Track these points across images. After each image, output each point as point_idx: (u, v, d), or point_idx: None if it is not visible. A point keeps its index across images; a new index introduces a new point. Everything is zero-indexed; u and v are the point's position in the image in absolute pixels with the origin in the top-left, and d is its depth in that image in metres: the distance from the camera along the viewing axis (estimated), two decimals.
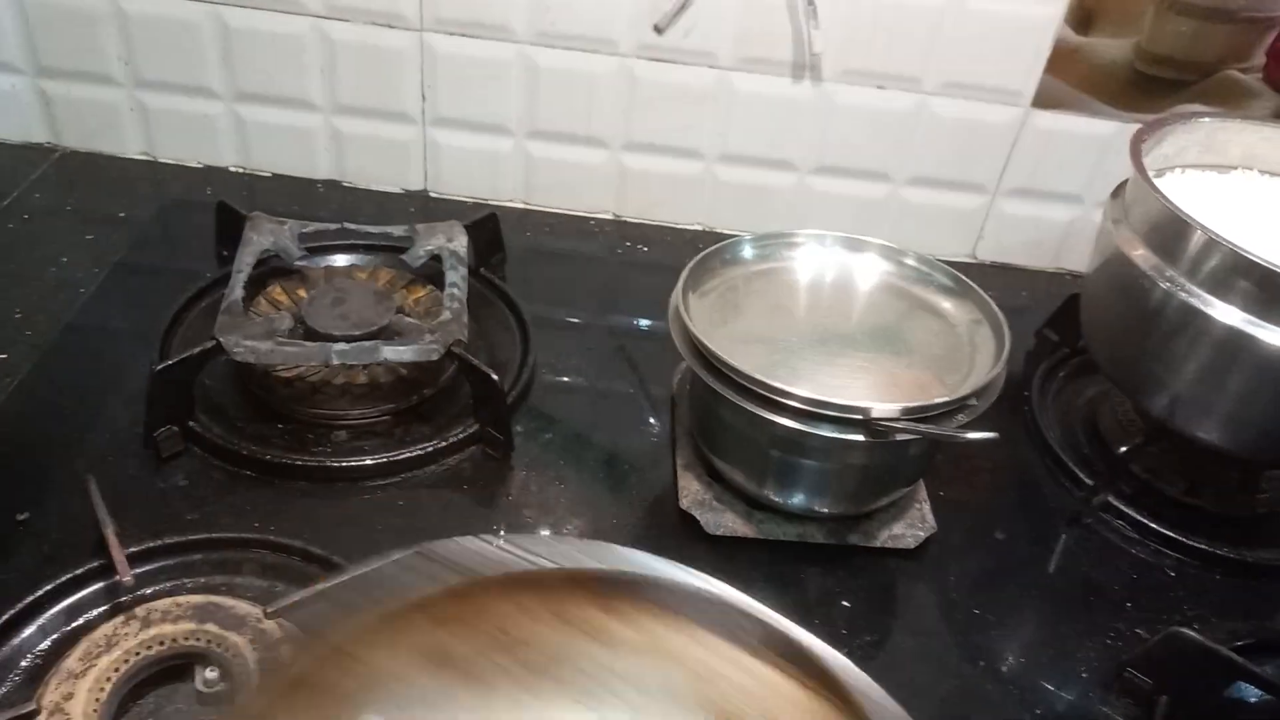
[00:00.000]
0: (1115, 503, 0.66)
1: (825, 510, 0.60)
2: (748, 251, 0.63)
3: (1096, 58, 0.82)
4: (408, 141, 0.90)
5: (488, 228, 0.79)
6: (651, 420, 0.70)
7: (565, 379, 0.74)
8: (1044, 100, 0.84)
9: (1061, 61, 0.82)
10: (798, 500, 0.60)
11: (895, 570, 0.61)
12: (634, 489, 0.65)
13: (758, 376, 0.54)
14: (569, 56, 0.84)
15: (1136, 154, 0.63)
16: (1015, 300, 0.90)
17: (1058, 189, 0.89)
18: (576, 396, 0.72)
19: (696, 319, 0.58)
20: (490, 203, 0.93)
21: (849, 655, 0.55)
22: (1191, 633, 0.52)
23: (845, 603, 0.59)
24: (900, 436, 0.53)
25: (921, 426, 0.52)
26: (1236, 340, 0.58)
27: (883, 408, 0.52)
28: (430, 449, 0.63)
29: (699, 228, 0.94)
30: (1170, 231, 0.60)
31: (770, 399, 0.54)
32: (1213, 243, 0.58)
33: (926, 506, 0.64)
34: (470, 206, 0.93)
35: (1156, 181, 0.69)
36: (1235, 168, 0.72)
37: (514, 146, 0.90)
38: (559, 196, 0.93)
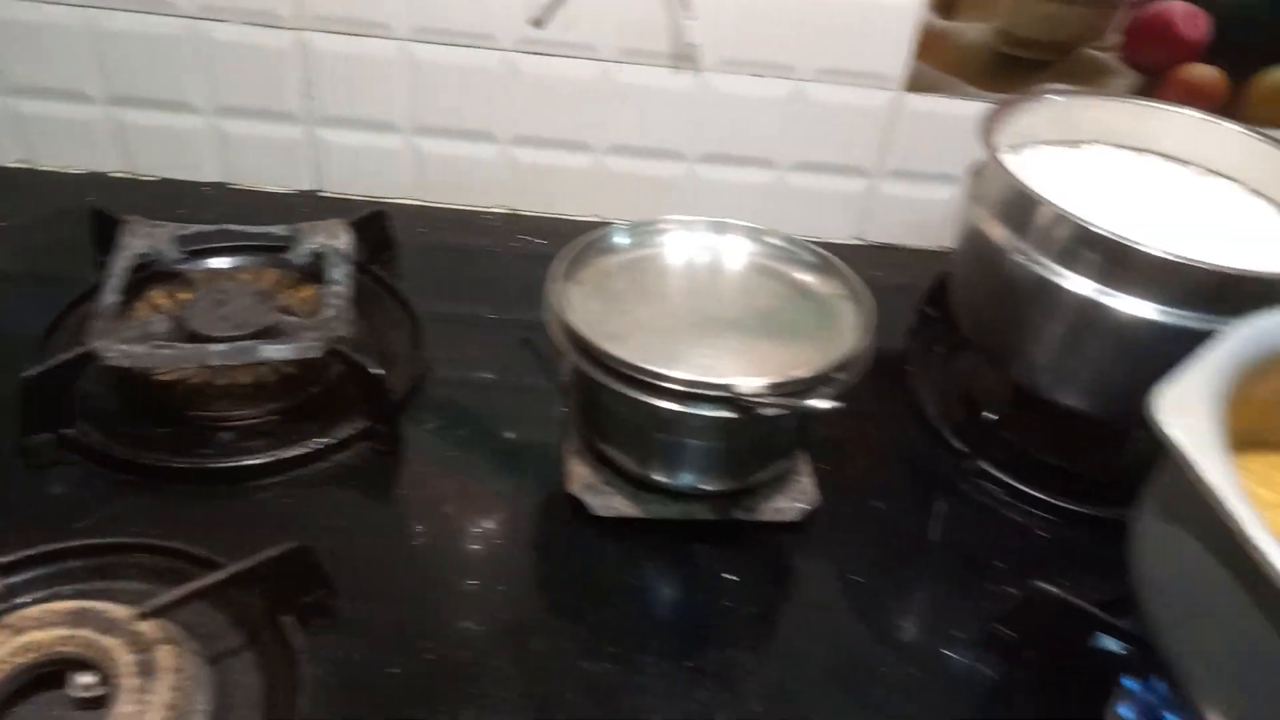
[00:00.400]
0: (988, 468, 0.69)
1: (708, 487, 0.62)
2: (621, 240, 0.64)
3: (962, 41, 0.85)
4: (295, 141, 0.89)
5: (375, 225, 0.79)
6: (545, 410, 0.71)
7: (460, 373, 0.74)
8: (915, 84, 0.87)
9: (930, 46, 0.85)
10: (681, 479, 0.62)
11: (779, 543, 0.63)
12: (526, 477, 0.66)
13: (630, 360, 0.55)
14: (450, 52, 0.85)
15: (987, 133, 0.66)
16: (901, 279, 0.92)
17: (935, 170, 0.92)
18: (471, 389, 0.73)
19: (573, 307, 0.59)
20: (384, 200, 0.93)
21: (734, 629, 0.57)
22: (1050, 587, 0.55)
23: (731, 576, 0.60)
24: (766, 411, 0.55)
25: (783, 400, 0.54)
26: (1089, 309, 0.61)
27: (748, 384, 0.54)
28: (316, 447, 0.63)
29: (594, 219, 0.95)
30: (1021, 207, 0.63)
31: (644, 382, 0.55)
32: (1059, 216, 0.61)
33: (809, 480, 0.66)
34: (363, 205, 0.91)
35: (1014, 158, 0.72)
36: (1088, 142, 0.75)
37: (403, 143, 0.90)
38: (453, 192, 0.94)
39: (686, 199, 0.93)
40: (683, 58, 0.86)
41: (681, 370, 0.55)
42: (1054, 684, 0.55)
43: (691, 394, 0.55)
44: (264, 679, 0.50)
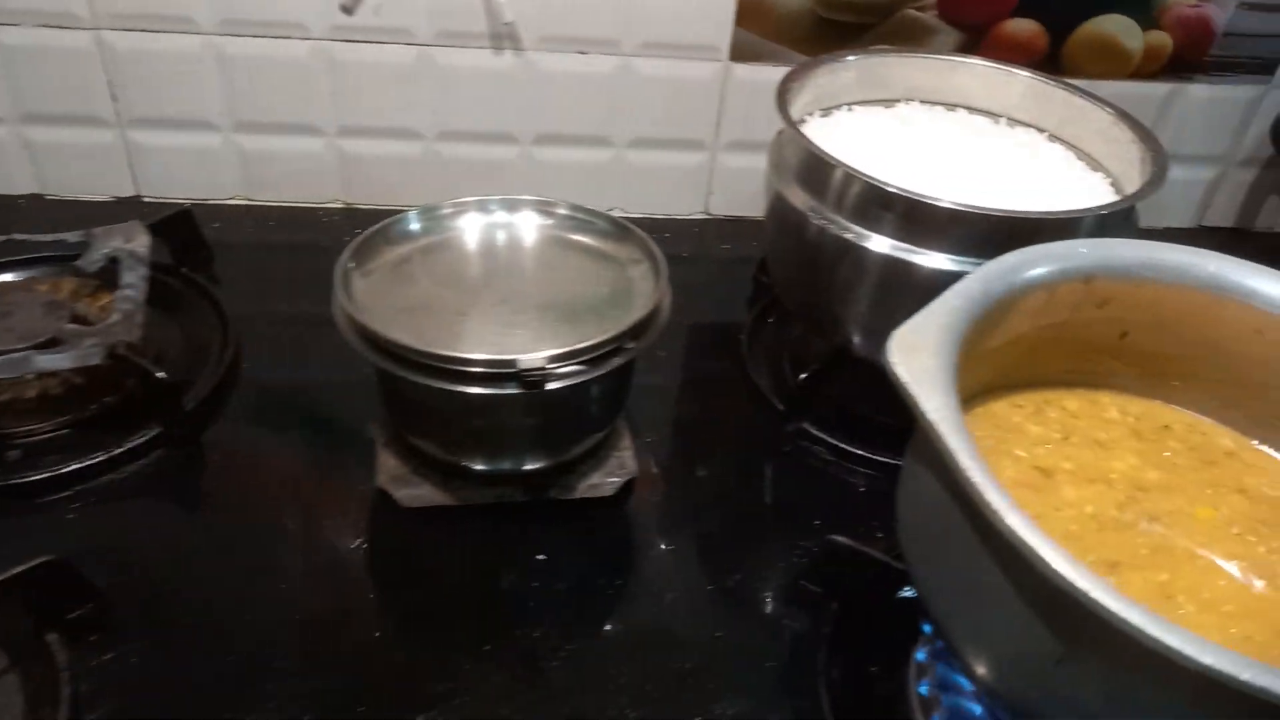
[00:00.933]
0: (810, 429, 0.69)
1: (520, 468, 0.61)
2: (414, 225, 0.63)
3: (783, 8, 0.84)
4: (108, 146, 0.86)
5: (182, 225, 0.76)
6: (362, 404, 0.69)
7: (276, 373, 0.72)
8: (741, 53, 0.87)
9: (752, 13, 0.84)
10: (488, 463, 0.61)
11: (594, 519, 0.62)
12: (338, 473, 0.64)
13: (409, 344, 0.53)
14: (260, 44, 0.82)
15: (781, 97, 0.65)
16: (748, 250, 0.92)
17: (769, 139, 0.92)
18: (286, 389, 0.71)
19: (362, 297, 0.58)
20: (209, 202, 0.90)
21: (541, 609, 0.56)
22: (843, 539, 0.55)
23: (540, 556, 0.59)
24: (553, 385, 0.54)
25: (565, 368, 0.53)
26: (891, 267, 0.61)
27: (531, 359, 0.53)
28: (106, 457, 0.60)
29: None
30: (816, 170, 0.63)
31: (427, 365, 0.54)
32: (852, 177, 0.61)
33: (628, 453, 0.65)
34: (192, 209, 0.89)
35: (825, 120, 0.73)
36: (901, 100, 0.75)
37: (223, 142, 0.88)
38: (284, 190, 0.91)
39: (523, 182, 0.92)
40: (501, 37, 0.84)
41: (467, 350, 0.54)
42: (860, 635, 0.54)
43: (476, 374, 0.54)
44: (26, 700, 0.47)
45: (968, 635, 0.40)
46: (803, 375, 0.66)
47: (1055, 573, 0.32)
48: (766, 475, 0.67)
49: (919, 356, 0.40)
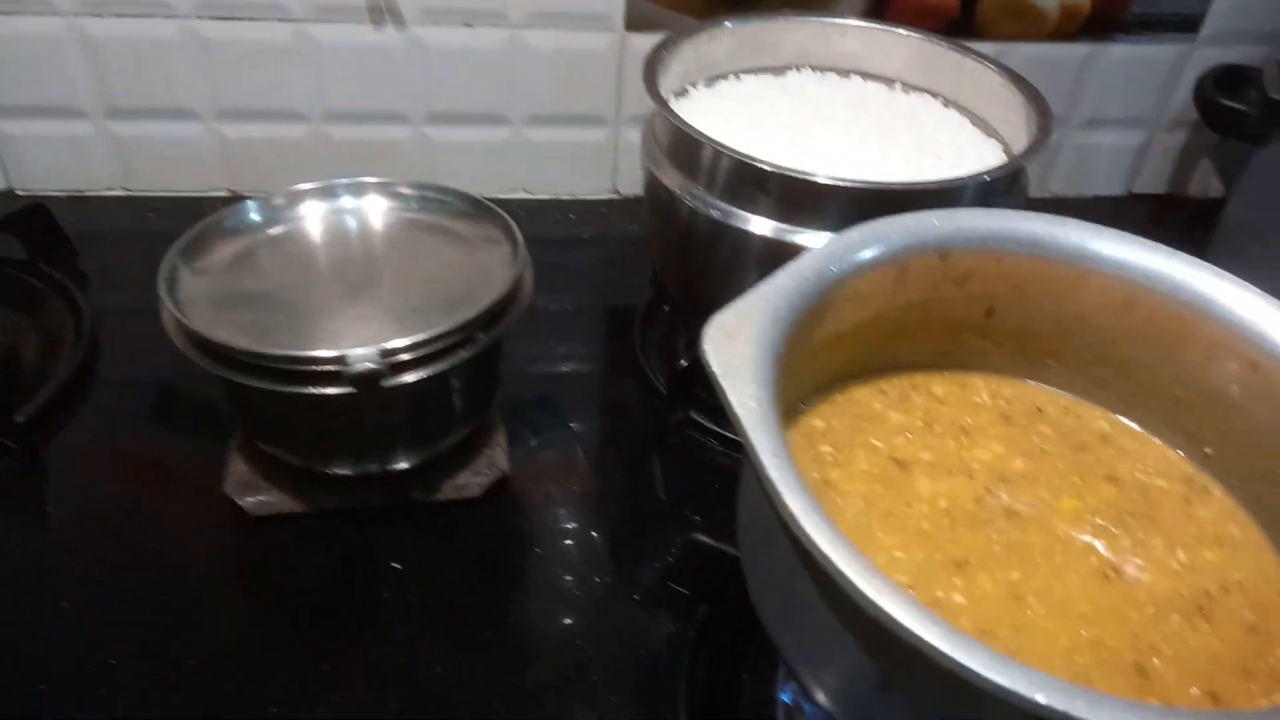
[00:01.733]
0: (700, 419, 0.65)
1: (377, 470, 0.57)
2: (253, 216, 0.59)
3: None
4: None
5: (36, 220, 0.72)
6: (223, 408, 0.65)
7: (136, 373, 0.68)
8: (637, 22, 0.83)
9: None
10: (342, 465, 0.57)
11: (458, 521, 0.58)
12: (187, 480, 0.60)
13: (232, 344, 0.49)
14: (125, 24, 0.78)
15: (650, 68, 0.61)
16: None
17: None
18: (145, 391, 0.67)
19: (192, 296, 0.54)
20: (86, 194, 0.86)
21: (390, 622, 0.52)
22: (705, 538, 0.51)
23: (396, 565, 0.55)
24: (390, 381, 0.50)
25: (404, 363, 0.49)
26: (772, 250, 0.57)
27: (359, 354, 0.49)
28: None
29: None
30: (687, 147, 0.59)
31: (253, 366, 0.50)
32: (720, 154, 0.57)
33: (500, 450, 0.61)
34: (65, 201, 0.85)
35: (709, 91, 0.69)
36: (790, 68, 0.71)
37: (95, 129, 0.83)
38: (166, 178, 0.87)
39: (417, 164, 0.88)
40: (381, 10, 0.80)
41: (301, 348, 0.50)
42: (730, 639, 0.51)
43: (305, 373, 0.50)
44: None
45: (795, 651, 0.36)
46: (683, 363, 0.62)
47: (855, 588, 0.29)
48: (650, 470, 0.64)
49: (736, 344, 0.36)
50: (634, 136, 0.89)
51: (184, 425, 0.64)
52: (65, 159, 0.84)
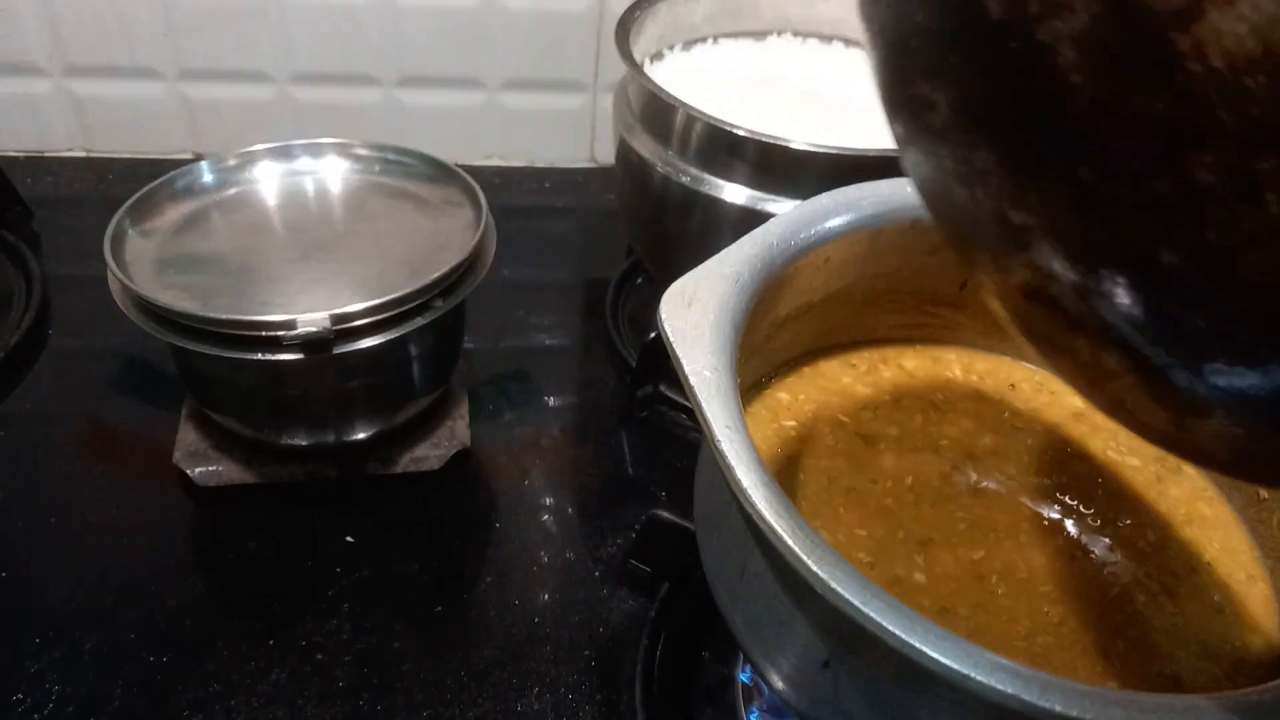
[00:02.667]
0: (667, 393, 0.64)
1: (331, 441, 0.55)
2: (206, 178, 0.56)
3: None
4: None
5: None
6: (176, 376, 0.63)
7: (88, 340, 0.66)
8: None
9: None
10: (294, 436, 0.55)
11: (415, 495, 0.57)
12: (136, 450, 0.58)
13: (177, 308, 0.47)
14: None
15: (622, 29, 0.59)
16: None
17: None
18: (96, 358, 0.65)
19: (138, 258, 0.51)
20: (44, 155, 0.83)
21: (340, 597, 0.51)
22: (665, 513, 0.50)
23: (349, 539, 0.54)
24: (338, 349, 0.48)
25: (356, 329, 0.47)
26: (747, 219, 0.55)
27: (309, 318, 0.47)
28: None
29: None
30: (659, 112, 0.57)
31: (199, 330, 0.48)
32: (694, 119, 0.55)
33: (462, 422, 0.59)
34: (21, 161, 0.83)
35: (685, 55, 0.66)
36: (770, 32, 0.69)
37: (54, 87, 0.80)
38: (128, 140, 0.84)
39: (388, 128, 0.85)
40: None
41: (248, 312, 0.48)
42: (693, 617, 0.49)
43: (253, 338, 0.48)
44: None
45: (747, 630, 0.35)
46: (651, 336, 0.60)
47: (802, 563, 0.27)
48: (616, 444, 0.62)
49: (693, 311, 0.35)
50: (611, 103, 0.87)
51: (135, 394, 0.62)
52: (21, 118, 0.82)
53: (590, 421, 0.64)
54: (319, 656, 0.48)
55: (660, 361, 0.61)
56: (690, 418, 0.63)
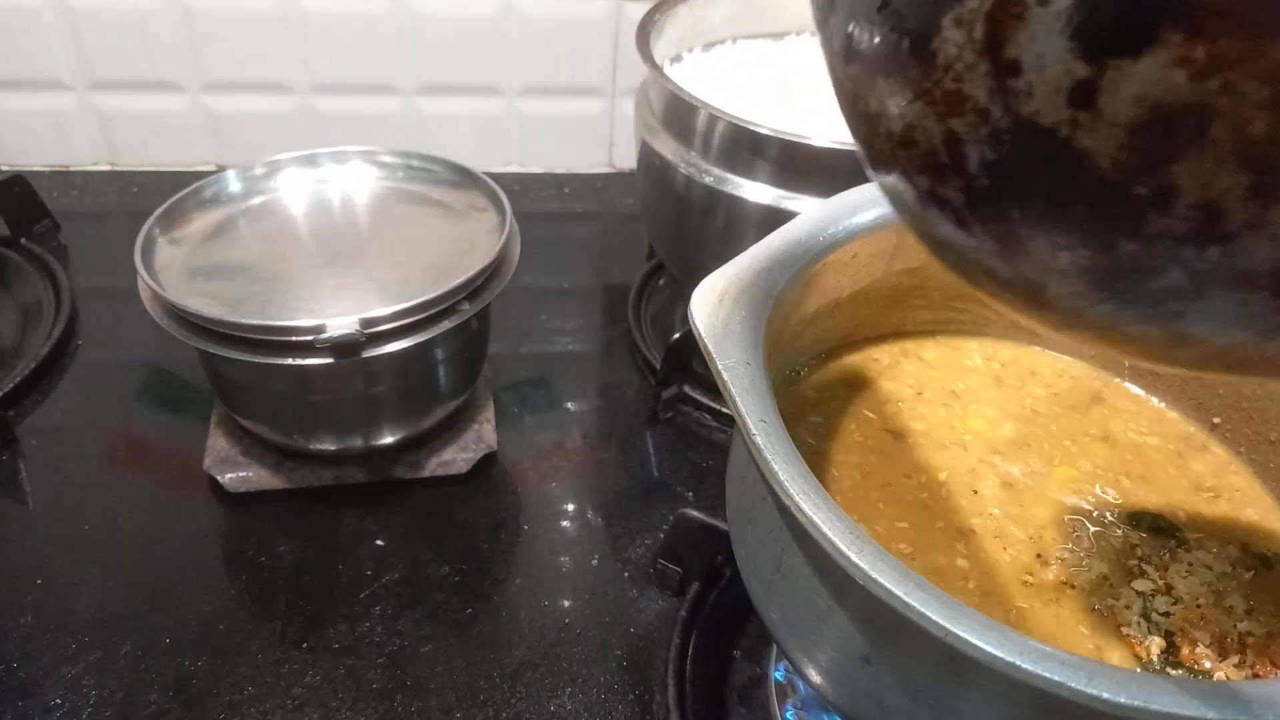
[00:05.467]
0: (692, 394, 0.64)
1: (359, 445, 0.56)
2: (234, 187, 0.57)
3: None
4: None
5: (15, 194, 0.70)
6: (205, 384, 0.64)
7: (117, 350, 0.66)
8: None
9: None
10: (323, 441, 0.55)
11: (443, 499, 0.57)
12: (167, 457, 0.59)
13: (206, 314, 0.48)
14: None
15: (643, 31, 0.60)
16: None
17: None
18: (126, 368, 0.65)
19: (168, 266, 0.52)
20: (70, 169, 0.84)
21: (372, 600, 0.51)
22: (695, 513, 0.50)
23: (379, 542, 0.54)
24: (372, 352, 0.48)
25: (384, 333, 0.48)
26: (770, 218, 0.55)
27: (338, 323, 0.47)
28: None
29: None
30: (681, 113, 0.57)
31: (228, 336, 0.48)
32: (716, 119, 0.55)
33: (489, 426, 0.60)
34: (47, 175, 0.83)
35: (705, 56, 0.67)
36: (789, 33, 0.69)
37: (78, 102, 0.81)
38: (152, 153, 0.85)
39: (408, 136, 0.86)
40: None
41: (277, 318, 0.48)
42: (724, 616, 0.49)
43: (281, 343, 0.48)
44: None
45: (783, 626, 0.35)
46: (675, 336, 0.60)
47: (840, 551, 0.27)
48: (642, 445, 0.62)
49: (724, 306, 0.35)
50: (630, 109, 0.87)
51: (165, 402, 0.63)
52: (47, 132, 0.82)
53: (615, 423, 0.64)
54: (351, 659, 0.48)
55: (685, 362, 0.61)
56: (715, 418, 0.63)
